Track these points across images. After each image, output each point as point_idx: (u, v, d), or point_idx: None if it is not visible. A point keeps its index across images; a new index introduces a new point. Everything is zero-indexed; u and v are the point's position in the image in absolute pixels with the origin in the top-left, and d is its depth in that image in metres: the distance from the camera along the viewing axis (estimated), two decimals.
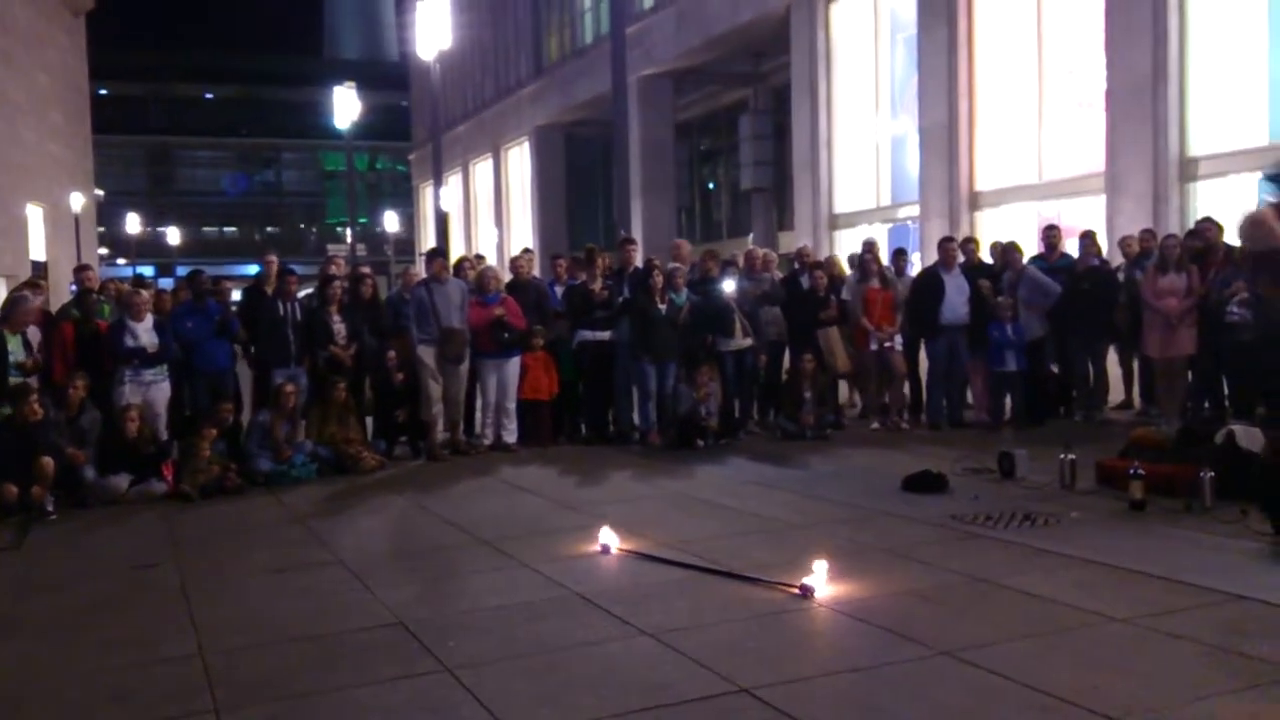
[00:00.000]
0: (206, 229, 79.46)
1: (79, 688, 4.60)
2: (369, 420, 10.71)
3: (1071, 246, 11.78)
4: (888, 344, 11.23)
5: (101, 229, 62.40)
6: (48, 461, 8.19)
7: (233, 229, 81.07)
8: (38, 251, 37.90)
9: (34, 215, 38.57)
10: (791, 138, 25.55)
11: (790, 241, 24.14)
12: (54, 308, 11.53)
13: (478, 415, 10.95)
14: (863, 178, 23.91)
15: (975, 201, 20.26)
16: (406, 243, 57.67)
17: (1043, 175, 19.18)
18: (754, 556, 6.18)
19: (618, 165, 16.00)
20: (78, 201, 40.49)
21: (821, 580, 5.42)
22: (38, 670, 4.87)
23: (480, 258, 12.68)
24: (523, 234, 40.81)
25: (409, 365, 10.45)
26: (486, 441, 10.75)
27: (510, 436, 10.74)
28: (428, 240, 47.45)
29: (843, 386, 12.14)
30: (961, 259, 11.44)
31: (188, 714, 4.23)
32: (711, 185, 37.28)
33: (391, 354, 10.51)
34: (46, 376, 9.07)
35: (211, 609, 5.69)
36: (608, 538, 6.55)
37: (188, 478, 8.90)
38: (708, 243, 29.31)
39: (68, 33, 46.00)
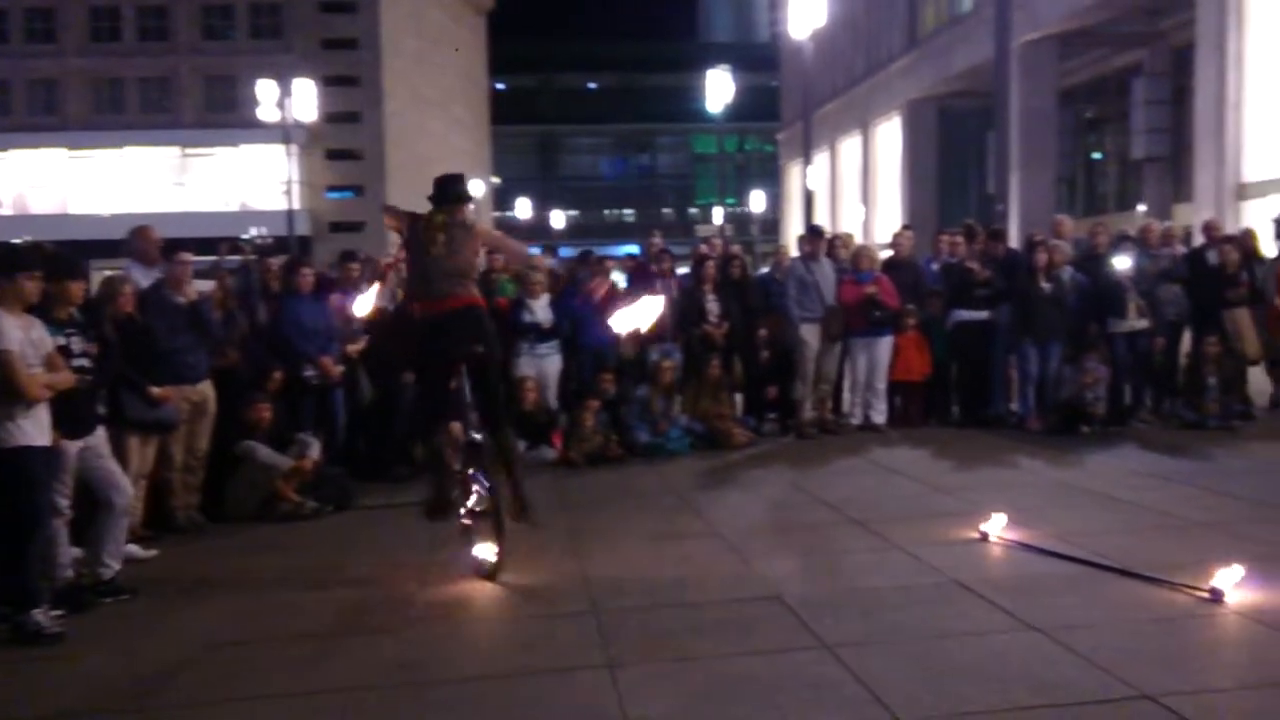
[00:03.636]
0: (586, 212, 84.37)
1: (492, 633, 5.08)
2: (739, 397, 10.92)
3: None
4: None
5: (497, 213, 67.82)
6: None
7: (610, 212, 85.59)
8: None
9: None
10: (1193, 101, 23.32)
11: (1187, 214, 22.09)
12: None
13: (845, 394, 10.88)
14: (1279, 142, 21.40)
15: None
16: (771, 223, 58.31)
17: None
18: (1152, 554, 5.71)
19: (996, 137, 15.29)
20: (478, 188, 44.31)
21: (1234, 584, 4.93)
22: (456, 614, 5.39)
23: (849, 236, 12.56)
24: (890, 211, 40.04)
25: (776, 344, 10.55)
26: (855, 421, 10.66)
27: (879, 417, 10.59)
28: (793, 219, 47.76)
29: (1255, 374, 10.92)
30: None
31: (585, 666, 4.53)
32: (1097, 156, 34.82)
33: (762, 332, 10.67)
34: None
35: (601, 569, 6.04)
36: (988, 524, 6.30)
37: (574, 445, 9.48)
38: (1091, 217, 27.43)
39: (471, 31, 50.21)
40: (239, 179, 51.20)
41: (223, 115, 50.16)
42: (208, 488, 7.67)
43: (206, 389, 7.50)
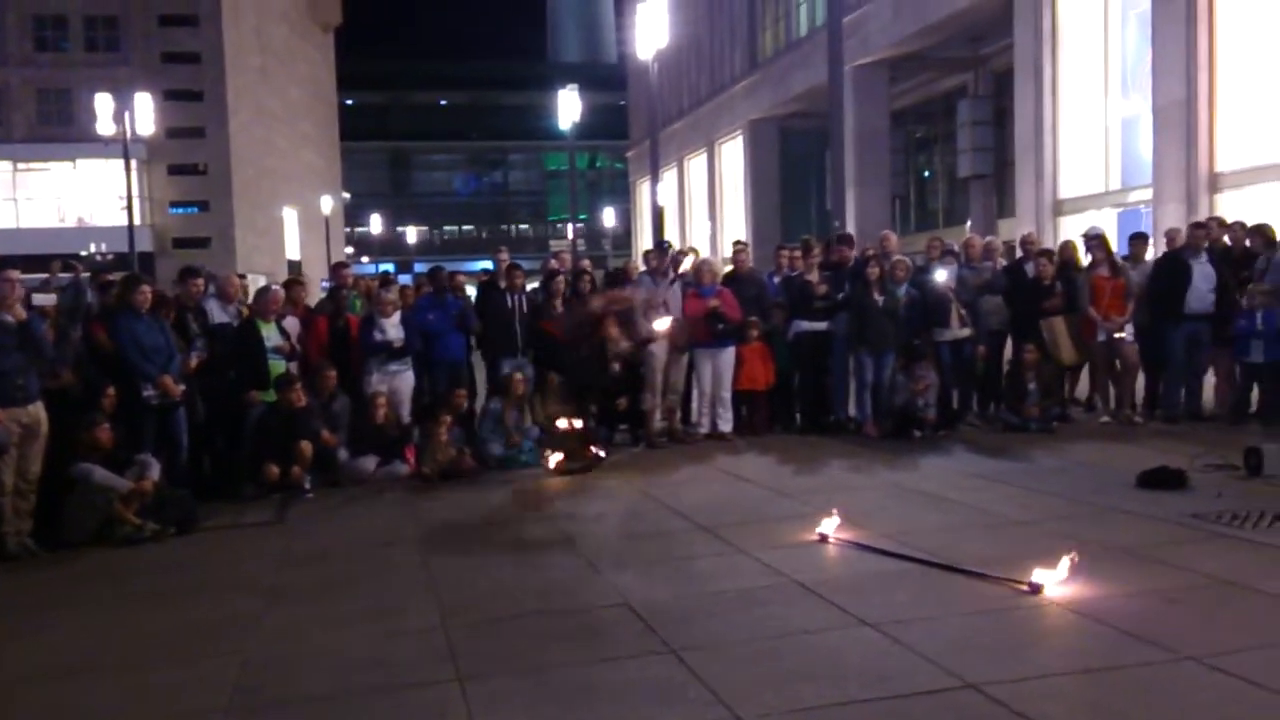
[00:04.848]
0: (439, 228, 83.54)
1: (340, 652, 5.01)
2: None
3: None
4: (1117, 334, 10.74)
5: (348, 229, 66.40)
6: (307, 445, 8.89)
7: (463, 228, 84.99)
8: (292, 251, 40.79)
9: (289, 217, 41.52)
10: (1013, 122, 24.66)
11: (1010, 229, 23.31)
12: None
13: (693, 404, 11.14)
14: (1090, 161, 22.81)
15: (1216, 183, 18.96)
16: (623, 238, 58.90)
17: None
18: (977, 551, 6.05)
19: (832, 156, 15.87)
20: (327, 204, 43.27)
21: (1052, 577, 5.26)
22: (303, 634, 5.34)
23: (694, 250, 12.89)
24: (736, 227, 40.98)
25: (627, 356, 10.71)
26: (703, 430, 10.91)
27: (725, 425, 10.87)
28: (644, 235, 48.32)
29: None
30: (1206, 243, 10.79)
31: (435, 681, 4.55)
32: (927, 174, 36.45)
33: None
34: (304, 365, 9.77)
35: (452, 583, 6.06)
36: (826, 527, 6.58)
37: (427, 460, 9.44)
38: (923, 232, 28.65)
39: (318, 48, 49.25)
40: (76, 194, 48.93)
41: (58, 129, 47.95)
42: (41, 513, 7.36)
43: (38, 410, 7.20)
